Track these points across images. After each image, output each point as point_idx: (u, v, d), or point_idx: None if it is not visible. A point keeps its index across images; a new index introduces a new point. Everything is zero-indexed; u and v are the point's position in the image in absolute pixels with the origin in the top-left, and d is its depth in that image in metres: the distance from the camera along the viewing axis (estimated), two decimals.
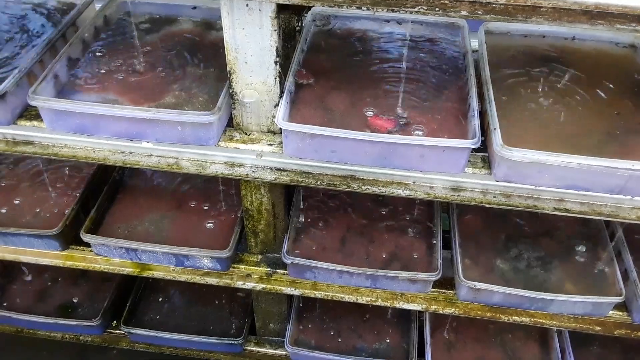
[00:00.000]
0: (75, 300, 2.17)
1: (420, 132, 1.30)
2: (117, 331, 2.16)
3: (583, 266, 1.64)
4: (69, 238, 1.77)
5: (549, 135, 1.31)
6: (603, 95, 1.42)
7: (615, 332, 1.63)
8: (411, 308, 1.70)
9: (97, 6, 1.67)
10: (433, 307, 1.68)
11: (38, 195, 1.86)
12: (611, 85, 1.45)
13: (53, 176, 1.91)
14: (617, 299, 1.53)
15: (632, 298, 1.57)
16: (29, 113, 1.43)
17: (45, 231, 1.70)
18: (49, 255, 1.79)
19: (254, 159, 1.38)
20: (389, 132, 1.30)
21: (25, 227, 1.73)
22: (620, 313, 1.62)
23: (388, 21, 1.61)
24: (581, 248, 1.68)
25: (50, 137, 1.43)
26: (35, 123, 1.42)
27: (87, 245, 1.75)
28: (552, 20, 1.03)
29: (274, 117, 1.33)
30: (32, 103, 1.32)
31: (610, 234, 1.69)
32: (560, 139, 1.30)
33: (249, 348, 2.12)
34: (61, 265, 1.79)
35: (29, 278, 2.23)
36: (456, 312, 1.68)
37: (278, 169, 1.38)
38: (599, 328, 1.64)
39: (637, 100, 1.42)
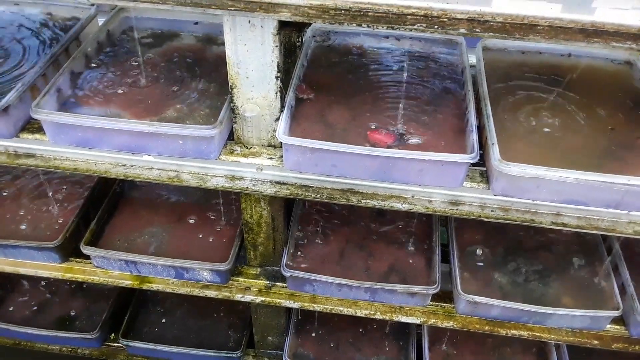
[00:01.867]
0: (73, 312, 2.17)
1: (419, 147, 1.32)
2: (115, 344, 2.16)
3: (581, 280, 1.65)
4: (69, 250, 1.77)
5: (546, 150, 1.32)
6: (599, 111, 1.44)
7: (613, 346, 1.64)
8: (410, 321, 1.70)
9: (100, 21, 1.69)
10: (431, 321, 1.68)
11: (38, 207, 1.86)
12: (608, 101, 1.46)
13: (54, 188, 1.92)
14: (614, 313, 1.54)
15: (629, 312, 1.58)
16: (32, 126, 1.45)
17: (45, 243, 1.71)
18: (48, 267, 1.79)
19: (254, 172, 1.39)
20: (389, 147, 1.31)
21: (25, 240, 1.74)
22: (618, 327, 1.62)
23: (387, 37, 1.63)
24: (578, 262, 1.69)
25: (52, 150, 1.44)
26: (37, 136, 1.43)
27: (87, 257, 1.75)
28: (548, 38, 1.05)
29: (274, 131, 1.35)
30: (35, 116, 1.33)
31: (607, 248, 1.71)
32: (557, 153, 1.32)
33: None
34: (60, 278, 1.79)
35: (27, 290, 2.23)
36: (454, 326, 1.68)
37: (278, 183, 1.40)
38: (596, 342, 1.64)
39: (633, 115, 1.44)
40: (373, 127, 1.36)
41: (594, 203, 1.27)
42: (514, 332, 1.65)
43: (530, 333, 1.65)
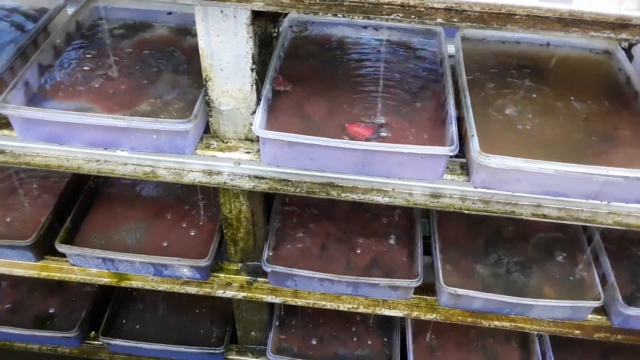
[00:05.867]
0: (52, 311, 2.13)
1: (398, 140, 1.29)
2: (96, 342, 2.12)
3: (562, 271, 1.65)
4: (44, 248, 1.73)
5: (526, 141, 1.31)
6: (579, 101, 1.43)
7: (595, 336, 1.64)
8: (393, 315, 1.69)
9: (70, 11, 1.64)
10: (414, 314, 1.68)
11: (11, 205, 1.81)
12: (587, 91, 1.46)
13: (26, 185, 1.87)
14: (595, 303, 1.54)
15: (610, 302, 1.58)
16: None
17: (18, 242, 1.66)
18: (23, 266, 1.74)
19: (231, 167, 1.36)
20: (367, 140, 1.29)
21: None
22: (599, 317, 1.63)
23: (365, 27, 1.60)
24: (560, 253, 1.69)
25: (21, 146, 1.39)
26: (5, 132, 1.38)
27: (63, 255, 1.71)
28: (526, 28, 1.03)
29: (251, 124, 1.32)
30: (2, 111, 1.29)
31: (588, 239, 1.71)
32: (537, 145, 1.31)
33: (230, 357, 2.10)
34: (36, 276, 1.75)
35: (3, 289, 2.18)
36: (437, 318, 1.67)
37: (256, 177, 1.37)
38: (578, 332, 1.65)
39: (613, 106, 1.43)
40: (351, 119, 1.34)
41: (574, 194, 1.27)
42: (496, 323, 1.65)
43: (513, 324, 1.65)
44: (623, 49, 1.54)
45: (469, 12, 1.02)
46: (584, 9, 0.99)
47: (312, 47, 1.55)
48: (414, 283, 1.59)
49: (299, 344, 2.04)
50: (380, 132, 1.31)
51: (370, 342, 2.05)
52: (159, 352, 2.06)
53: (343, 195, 1.36)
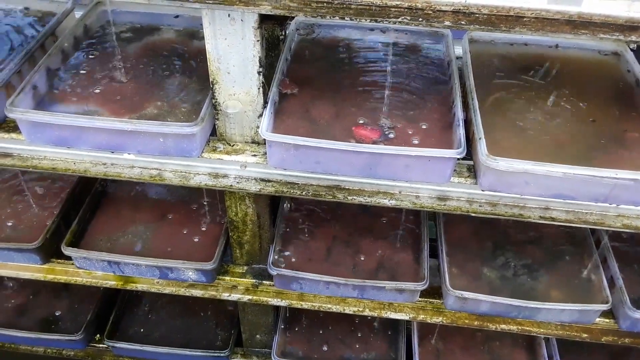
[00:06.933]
0: (57, 313, 2.13)
1: (405, 142, 1.29)
2: (101, 345, 2.12)
3: (570, 274, 1.64)
4: (50, 251, 1.73)
5: (534, 144, 1.31)
6: (587, 103, 1.42)
7: (602, 339, 1.63)
8: (399, 318, 1.69)
9: (78, 15, 1.64)
10: (420, 317, 1.67)
11: (18, 208, 1.82)
12: (596, 93, 1.45)
13: (33, 188, 1.87)
14: (603, 307, 1.53)
15: (618, 305, 1.57)
16: (7, 125, 1.40)
17: (25, 245, 1.66)
18: (29, 269, 1.75)
19: (238, 169, 1.36)
20: (374, 143, 1.28)
21: (4, 241, 1.69)
22: (607, 320, 1.62)
23: (372, 30, 1.60)
24: (567, 256, 1.68)
25: (29, 149, 1.40)
26: (13, 135, 1.39)
27: (69, 258, 1.71)
28: (535, 30, 1.02)
29: (257, 127, 1.32)
30: (10, 115, 1.29)
31: (596, 242, 1.70)
32: (545, 147, 1.30)
33: None
34: (42, 279, 1.75)
35: (9, 291, 2.18)
36: (444, 321, 1.67)
37: (263, 180, 1.37)
38: (585, 335, 1.64)
39: (622, 108, 1.42)
40: (358, 122, 1.33)
41: (583, 197, 1.26)
42: (503, 326, 1.65)
43: (520, 327, 1.64)
44: (632, 50, 1.53)
45: (477, 15, 1.02)
46: (593, 11, 0.99)
47: (319, 50, 1.55)
48: (420, 286, 1.59)
49: (304, 347, 2.03)
50: (387, 134, 1.31)
51: (375, 345, 2.04)
52: (164, 355, 2.06)
53: (349, 198, 1.35)
